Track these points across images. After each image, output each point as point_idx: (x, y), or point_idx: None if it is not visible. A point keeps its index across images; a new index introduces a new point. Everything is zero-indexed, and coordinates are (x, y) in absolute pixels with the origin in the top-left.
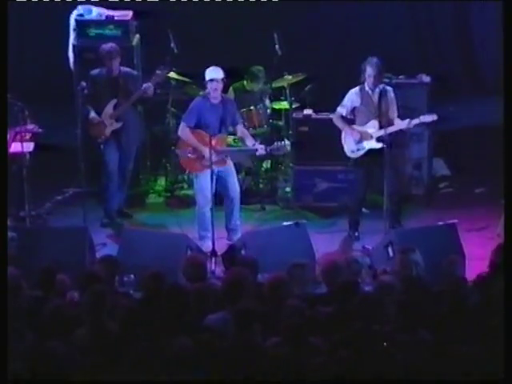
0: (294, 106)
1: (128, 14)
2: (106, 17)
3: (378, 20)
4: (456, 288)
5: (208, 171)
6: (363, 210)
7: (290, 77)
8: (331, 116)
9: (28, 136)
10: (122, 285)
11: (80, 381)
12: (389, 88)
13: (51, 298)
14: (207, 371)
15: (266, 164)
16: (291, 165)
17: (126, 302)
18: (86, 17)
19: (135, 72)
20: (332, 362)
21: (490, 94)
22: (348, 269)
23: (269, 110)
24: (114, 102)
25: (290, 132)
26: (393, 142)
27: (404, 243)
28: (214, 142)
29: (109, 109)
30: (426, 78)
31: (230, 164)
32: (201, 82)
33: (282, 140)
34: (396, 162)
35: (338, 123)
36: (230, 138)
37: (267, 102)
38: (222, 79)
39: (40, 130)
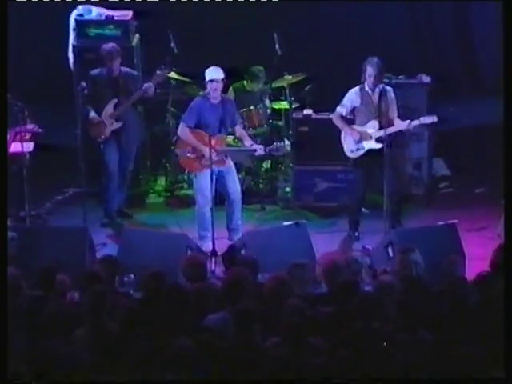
0: (293, 106)
1: (128, 14)
2: (106, 17)
3: (378, 20)
4: (456, 288)
5: (208, 171)
6: (363, 209)
7: (290, 77)
8: (331, 116)
9: (28, 136)
10: (122, 285)
11: (80, 381)
12: (389, 88)
13: (51, 297)
14: (207, 371)
15: (266, 164)
16: (291, 165)
17: (126, 302)
18: (86, 17)
19: (135, 72)
20: (332, 361)
21: (490, 94)
22: (348, 269)
23: (269, 110)
24: (114, 101)
25: (290, 132)
26: (392, 142)
27: (404, 243)
28: (213, 142)
29: (109, 108)
30: (426, 78)
31: (230, 164)
32: (201, 82)
33: (282, 140)
34: (396, 161)
35: (338, 123)
36: (230, 138)
37: (267, 101)
38: (222, 79)
39: (40, 130)
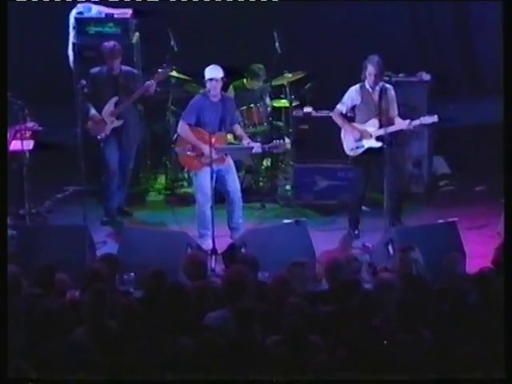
0: (294, 104)
1: (128, 12)
2: (106, 15)
3: (377, 20)
4: (456, 286)
5: (207, 169)
6: (363, 207)
7: (290, 75)
8: (331, 114)
9: (28, 134)
10: (122, 283)
11: (80, 380)
12: (389, 86)
13: (51, 296)
14: (207, 369)
15: (266, 162)
16: (291, 163)
17: (126, 301)
18: (86, 15)
19: (136, 71)
20: (332, 360)
21: (489, 93)
22: (348, 267)
23: (269, 108)
24: (114, 99)
25: (290, 130)
26: (392, 140)
27: (404, 241)
28: (213, 140)
29: (110, 106)
30: (426, 76)
31: (230, 162)
32: (201, 80)
33: (282, 138)
34: (396, 160)
35: (338, 120)
36: (230, 136)
37: (267, 100)
38: (222, 78)
39: (40, 128)
